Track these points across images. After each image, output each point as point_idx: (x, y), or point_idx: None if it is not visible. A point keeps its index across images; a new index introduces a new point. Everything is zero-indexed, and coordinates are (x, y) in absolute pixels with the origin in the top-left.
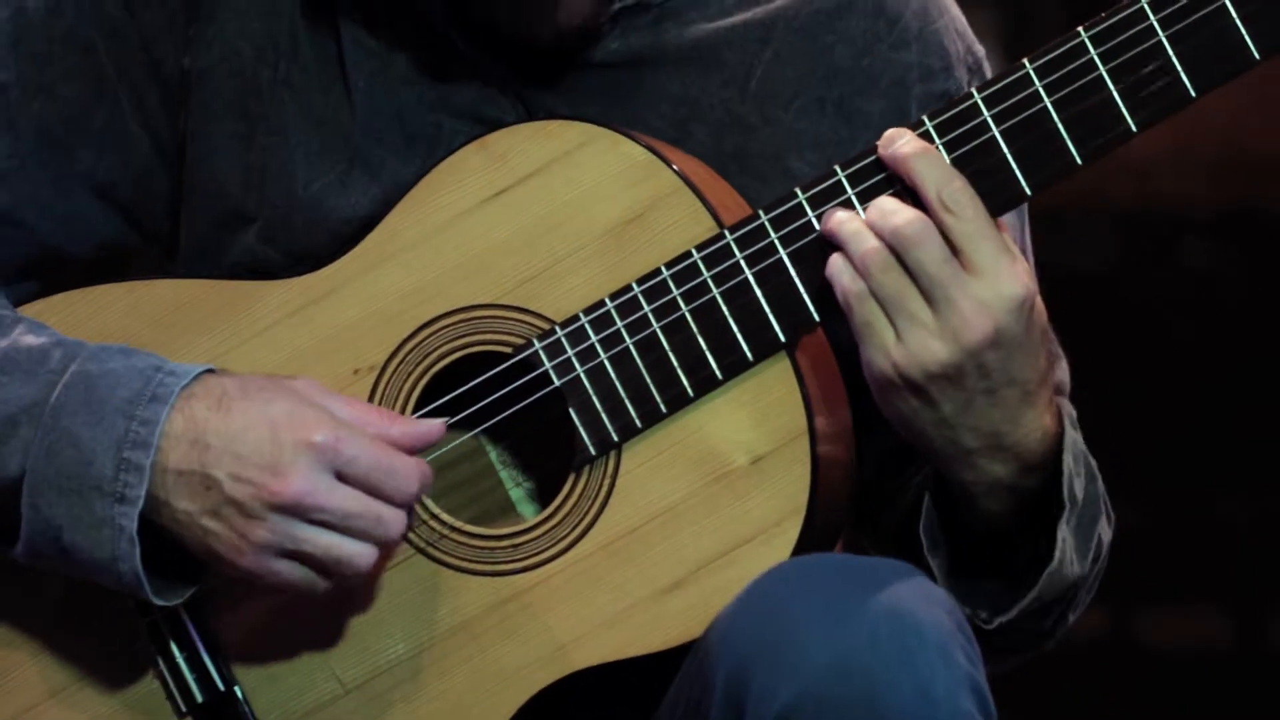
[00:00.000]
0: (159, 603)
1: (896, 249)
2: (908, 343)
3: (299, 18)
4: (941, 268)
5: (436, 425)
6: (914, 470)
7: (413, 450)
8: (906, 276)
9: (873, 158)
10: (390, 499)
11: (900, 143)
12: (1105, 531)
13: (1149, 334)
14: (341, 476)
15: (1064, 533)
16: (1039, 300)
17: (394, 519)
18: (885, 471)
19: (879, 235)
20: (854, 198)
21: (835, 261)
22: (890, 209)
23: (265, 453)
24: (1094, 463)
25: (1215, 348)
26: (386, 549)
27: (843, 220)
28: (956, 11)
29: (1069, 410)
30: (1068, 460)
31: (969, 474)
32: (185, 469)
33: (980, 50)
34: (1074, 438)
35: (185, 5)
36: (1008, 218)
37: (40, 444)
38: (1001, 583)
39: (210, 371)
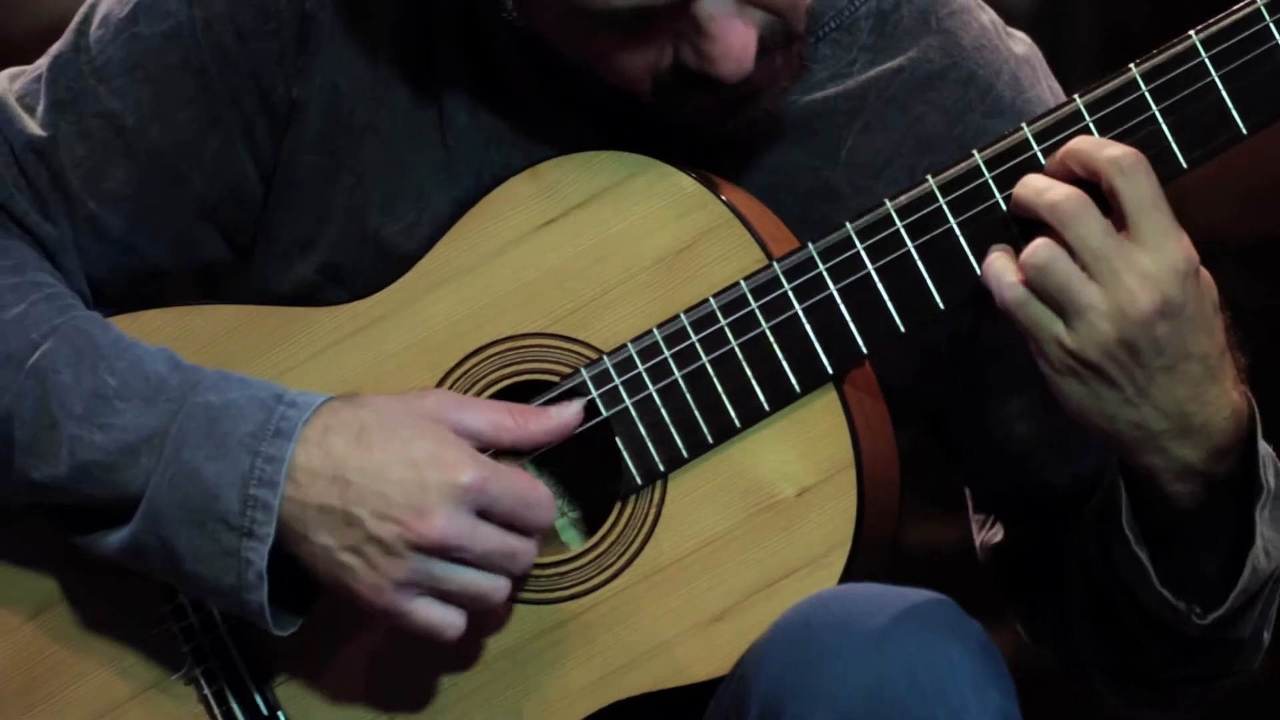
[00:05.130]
0: (278, 633)
1: (1055, 225)
2: (1077, 327)
3: (400, 64)
4: (1105, 241)
5: (574, 409)
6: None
7: (558, 441)
8: (1068, 261)
9: (926, 191)
10: (527, 531)
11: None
12: None
13: None
14: (483, 514)
15: (1261, 518)
16: (1205, 273)
17: (526, 551)
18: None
19: (1035, 210)
20: (903, 230)
21: (993, 266)
22: (1042, 186)
23: (410, 493)
24: None
25: (1251, 378)
26: (519, 580)
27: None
28: (1051, 81)
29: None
30: (1263, 445)
31: (1158, 459)
32: (326, 504)
33: None
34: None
35: (296, 37)
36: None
37: (162, 475)
38: (1210, 570)
39: (331, 400)
